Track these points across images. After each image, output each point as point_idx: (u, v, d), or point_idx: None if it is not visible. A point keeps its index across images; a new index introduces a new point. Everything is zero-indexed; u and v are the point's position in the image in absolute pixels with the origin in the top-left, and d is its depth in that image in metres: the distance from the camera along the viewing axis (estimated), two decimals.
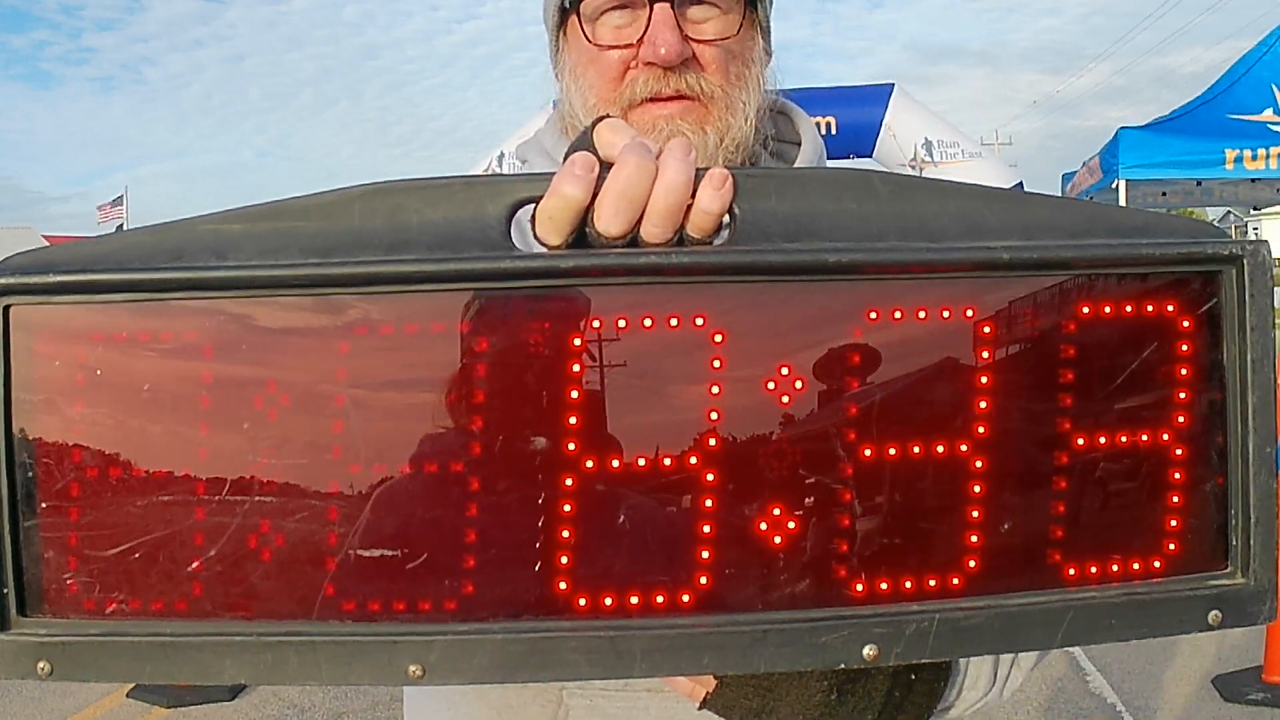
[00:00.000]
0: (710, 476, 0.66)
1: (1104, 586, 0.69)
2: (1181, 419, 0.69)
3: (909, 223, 0.67)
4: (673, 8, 0.96)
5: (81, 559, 0.66)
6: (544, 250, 0.67)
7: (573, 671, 0.66)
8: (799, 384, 0.66)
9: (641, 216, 0.66)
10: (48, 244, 0.76)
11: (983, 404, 0.67)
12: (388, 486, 0.66)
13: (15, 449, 0.65)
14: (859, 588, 0.67)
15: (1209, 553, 0.70)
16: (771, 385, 0.66)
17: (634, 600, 0.66)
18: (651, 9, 0.96)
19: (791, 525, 0.67)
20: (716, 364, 0.66)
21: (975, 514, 0.67)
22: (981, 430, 0.67)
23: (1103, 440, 0.68)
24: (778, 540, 0.67)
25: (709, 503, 0.66)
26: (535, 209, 0.67)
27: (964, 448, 0.67)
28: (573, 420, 0.65)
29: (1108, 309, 0.68)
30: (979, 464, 0.67)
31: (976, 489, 0.67)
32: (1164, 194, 9.37)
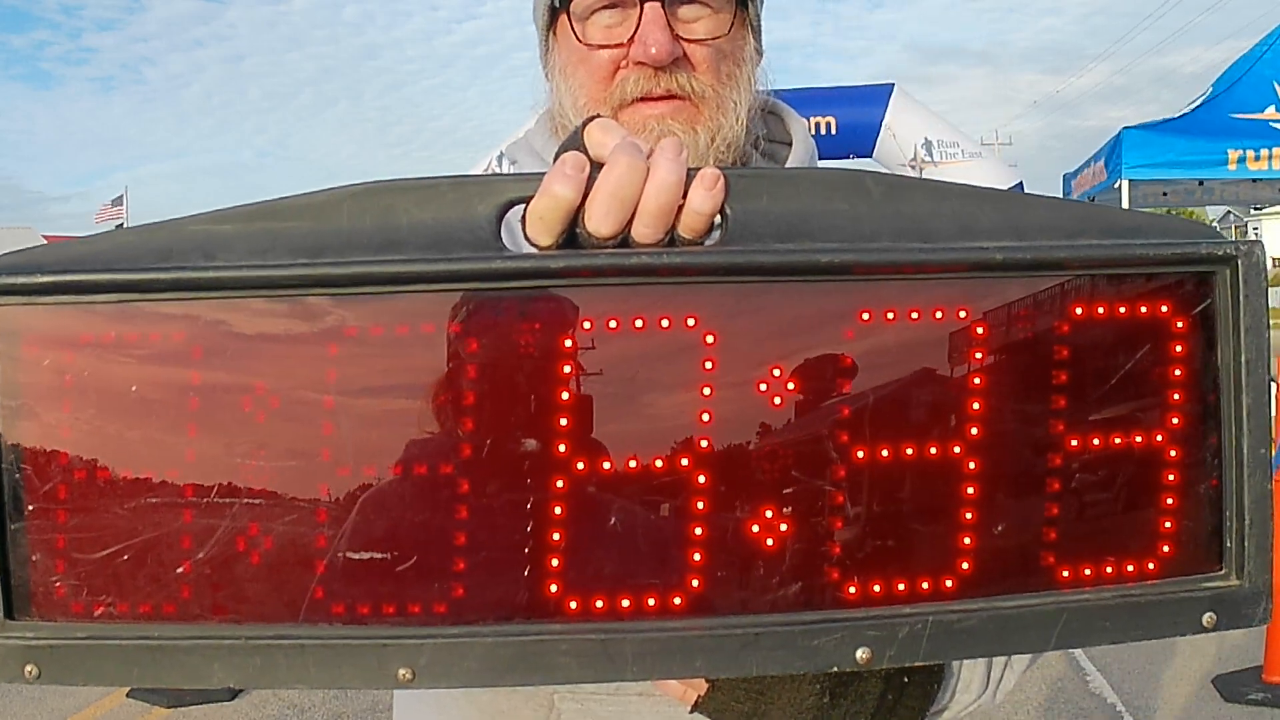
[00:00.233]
0: (702, 479, 0.66)
1: (1098, 589, 0.68)
2: (1176, 420, 0.68)
3: (902, 223, 0.67)
4: (663, 7, 0.96)
5: (69, 562, 0.66)
6: (534, 251, 0.67)
7: (564, 675, 0.66)
8: (791, 385, 0.66)
9: (632, 217, 0.65)
10: (47, 244, 0.76)
11: (976, 406, 0.67)
12: (377, 489, 0.65)
13: (2, 451, 0.65)
14: (852, 590, 0.67)
15: (1203, 555, 0.69)
16: (763, 387, 0.66)
17: (625, 603, 0.66)
18: (642, 8, 0.96)
19: (784, 527, 0.66)
20: (708, 365, 0.65)
21: (968, 516, 0.67)
22: (974, 432, 0.67)
23: (1097, 442, 0.68)
24: (770, 543, 0.66)
25: (700, 505, 0.66)
26: (525, 209, 0.66)
27: (957, 449, 0.67)
28: (563, 422, 0.65)
29: (1101, 310, 0.67)
30: (972, 466, 0.67)
31: (969, 491, 0.67)
32: (1165, 193, 9.38)
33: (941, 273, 0.66)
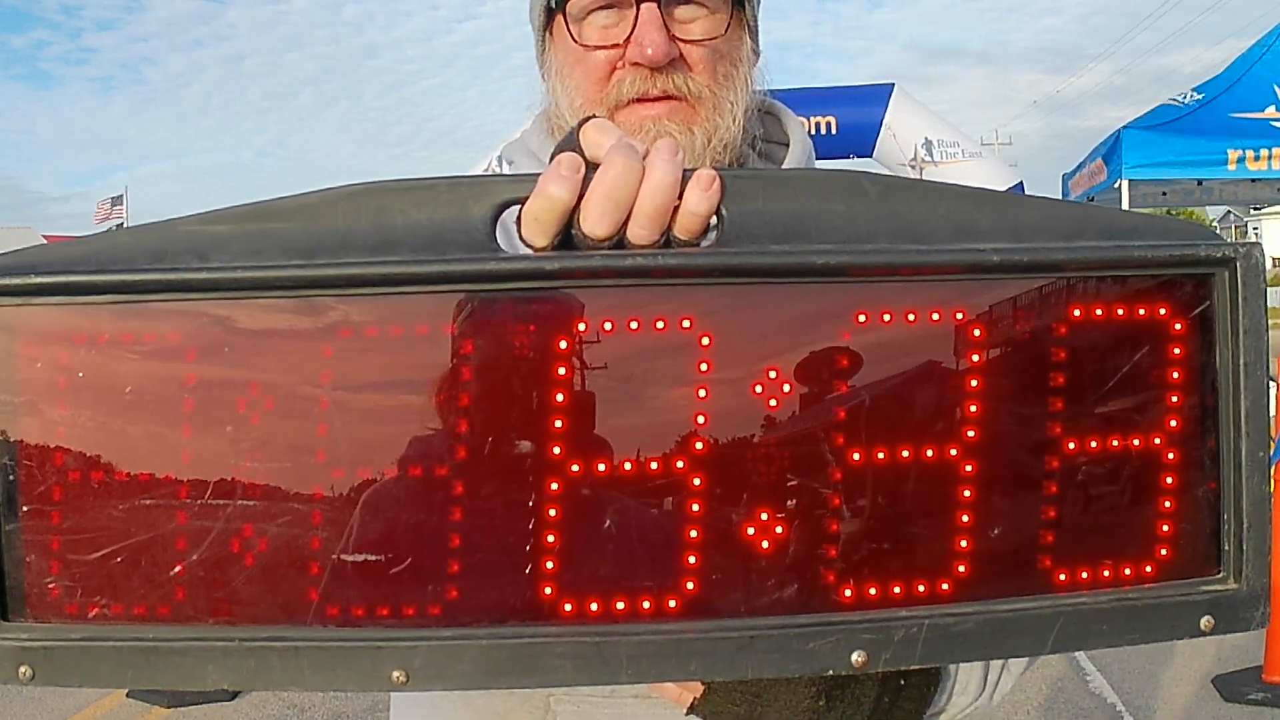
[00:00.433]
0: (697, 481, 0.65)
1: (1095, 592, 0.68)
2: (1174, 423, 0.68)
3: (898, 224, 0.67)
4: (660, 7, 0.96)
5: (64, 563, 0.66)
6: (529, 252, 0.66)
7: (559, 677, 0.65)
8: (786, 387, 0.65)
9: (628, 218, 0.65)
10: (43, 245, 0.76)
11: (972, 408, 0.66)
12: (372, 490, 0.65)
13: None
14: (847, 593, 0.67)
15: (1201, 558, 0.69)
16: (759, 388, 0.65)
17: (620, 605, 0.66)
18: (638, 9, 0.96)
19: (779, 530, 0.66)
20: (703, 367, 0.65)
21: (965, 519, 0.67)
22: (971, 434, 0.66)
23: (1094, 444, 0.67)
24: (765, 545, 0.66)
25: (695, 507, 0.65)
26: (521, 210, 0.66)
27: (953, 452, 0.66)
28: (558, 424, 0.65)
29: (1099, 312, 0.67)
30: (969, 468, 0.67)
31: (966, 494, 0.67)
32: (1164, 193, 9.37)
33: (938, 274, 0.66)
